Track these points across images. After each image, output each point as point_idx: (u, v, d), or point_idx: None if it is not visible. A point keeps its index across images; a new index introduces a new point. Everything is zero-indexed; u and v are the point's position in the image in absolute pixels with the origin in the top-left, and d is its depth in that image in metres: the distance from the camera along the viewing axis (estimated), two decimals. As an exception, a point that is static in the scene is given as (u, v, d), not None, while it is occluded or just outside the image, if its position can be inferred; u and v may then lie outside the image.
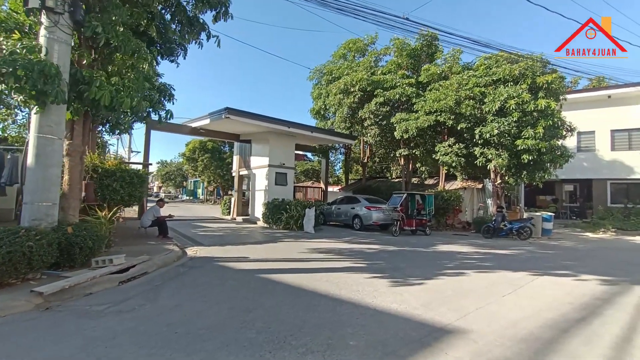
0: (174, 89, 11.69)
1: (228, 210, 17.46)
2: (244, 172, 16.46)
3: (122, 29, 5.68)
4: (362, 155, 20.08)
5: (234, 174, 17.58)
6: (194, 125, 14.66)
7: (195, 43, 7.83)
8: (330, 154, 22.65)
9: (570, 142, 17.38)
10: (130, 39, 5.77)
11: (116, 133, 12.89)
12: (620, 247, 10.40)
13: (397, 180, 18.84)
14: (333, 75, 17.97)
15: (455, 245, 9.86)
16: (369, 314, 3.65)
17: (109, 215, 7.26)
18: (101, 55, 6.09)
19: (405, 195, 12.35)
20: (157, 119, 7.81)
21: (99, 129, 12.82)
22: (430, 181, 18.01)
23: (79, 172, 5.71)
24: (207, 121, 13.40)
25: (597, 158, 18.43)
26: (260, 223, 13.87)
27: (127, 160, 17.25)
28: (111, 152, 17.66)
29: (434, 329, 3.27)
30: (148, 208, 8.77)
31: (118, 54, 6.46)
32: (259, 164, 14.87)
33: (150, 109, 12.07)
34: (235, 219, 16.30)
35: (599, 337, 3.24)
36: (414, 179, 18.25)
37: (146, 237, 8.41)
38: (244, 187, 17.51)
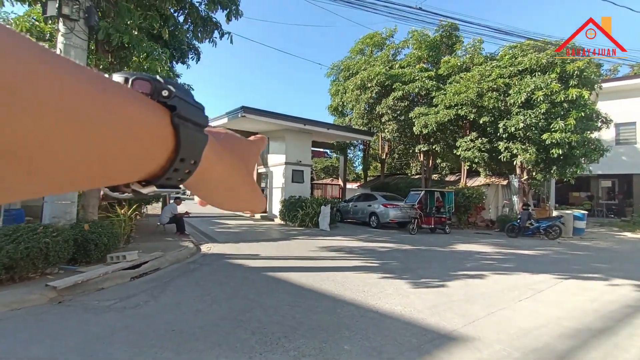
0: (193, 89, 12.02)
1: (247, 208, 17.72)
2: (262, 169, 16.63)
3: (136, 33, 5.85)
4: (380, 152, 19.71)
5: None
6: (213, 124, 14.96)
7: (210, 41, 7.94)
8: (349, 150, 22.46)
9: (608, 134, 16.17)
10: (143, 40, 5.93)
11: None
12: (663, 249, 9.52)
13: (417, 177, 18.32)
14: (350, 71, 17.73)
15: (475, 244, 9.43)
16: (370, 316, 3.52)
17: (129, 213, 7.57)
18: (117, 58, 6.31)
19: (423, 192, 11.98)
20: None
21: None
22: (451, 177, 17.37)
23: (96, 171, 5.95)
24: (224, 120, 13.63)
25: (638, 151, 16.98)
26: (278, 220, 13.98)
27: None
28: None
29: (437, 336, 3.09)
30: (166, 206, 9.04)
31: (134, 57, 6.68)
32: (276, 161, 14.96)
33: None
34: (253, 216, 16.53)
35: (624, 350, 2.93)
36: (435, 175, 17.69)
37: (164, 234, 8.69)
38: (262, 184, 17.71)
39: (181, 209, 9.37)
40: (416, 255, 7.36)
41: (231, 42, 7.54)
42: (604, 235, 12.50)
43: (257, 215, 16.29)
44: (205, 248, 7.40)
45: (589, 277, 5.71)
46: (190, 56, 10.13)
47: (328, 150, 24.96)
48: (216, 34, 8.04)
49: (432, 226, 11.89)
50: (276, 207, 14.29)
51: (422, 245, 8.99)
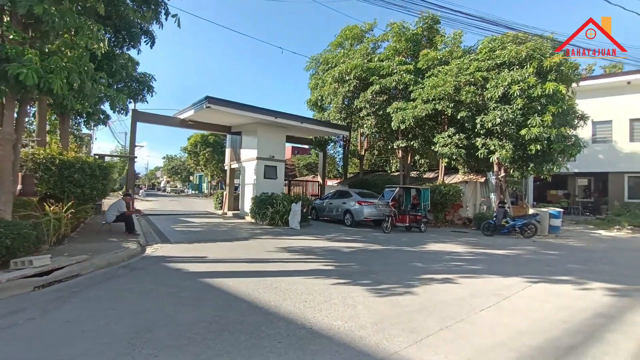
0: (155, 79, 11.17)
1: (220, 205, 16.94)
2: (235, 165, 15.86)
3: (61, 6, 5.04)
4: (359, 148, 19.20)
5: (226, 167, 17.02)
6: (181, 117, 14.10)
7: (156, 23, 7.16)
8: (330, 147, 21.87)
9: (585, 132, 16.10)
10: (68, 12, 5.11)
11: (92, 125, 12.44)
12: (637, 247, 9.34)
13: (396, 174, 17.91)
14: (329, 65, 17.10)
15: (449, 244, 9.01)
16: (300, 335, 2.92)
17: (64, 210, 6.74)
18: (36, 33, 5.46)
19: (397, 189, 11.50)
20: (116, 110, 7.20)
21: (79, 120, 12.44)
22: (430, 175, 17.03)
23: (10, 162, 5.14)
24: (191, 112, 12.80)
25: (614, 149, 17.06)
26: (248, 218, 13.28)
27: (116, 153, 16.90)
28: (92, 145, 17.32)
29: (372, 361, 2.52)
30: (112, 203, 8.22)
31: (65, 34, 5.83)
32: (248, 156, 14.23)
33: (130, 100, 11.53)
34: (226, 214, 15.78)
35: (592, 377, 2.43)
36: (413, 172, 17.31)
37: (109, 234, 7.88)
38: (236, 181, 16.94)
39: (153, 206, 8.55)
40: (382, 257, 6.83)
41: (178, 25, 6.77)
42: (580, 234, 12.36)
43: (229, 213, 15.55)
44: (151, 249, 6.66)
45: (560, 280, 5.30)
46: (144, 40, 9.30)
47: (306, 146, 24.29)
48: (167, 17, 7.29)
49: (407, 224, 11.45)
50: (248, 204, 13.58)
51: (393, 245, 8.49)
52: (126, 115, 11.08)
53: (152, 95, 11.37)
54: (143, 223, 10.99)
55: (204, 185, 45.47)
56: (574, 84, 12.30)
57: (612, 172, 17.08)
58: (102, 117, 11.07)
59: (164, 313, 3.36)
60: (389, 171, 20.41)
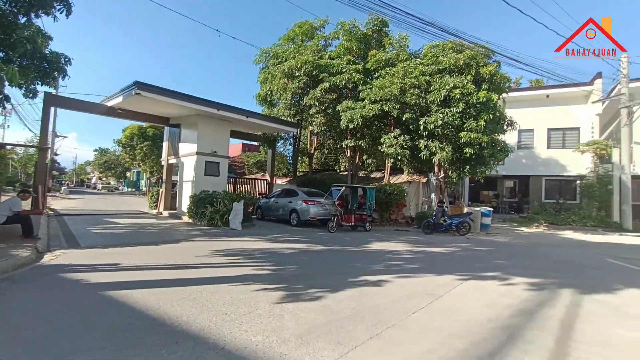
0: (70, 62, 9.67)
1: (155, 204, 15.43)
2: (172, 160, 14.55)
3: None
4: (308, 146, 18.97)
5: (163, 163, 15.56)
6: (108, 104, 12.45)
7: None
8: (280, 144, 21.30)
9: (512, 139, 17.74)
10: None
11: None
12: (550, 243, 10.40)
13: (345, 173, 18.00)
14: (280, 59, 16.54)
15: (391, 242, 9.11)
16: (208, 358, 2.45)
17: None
18: None
19: (343, 188, 11.44)
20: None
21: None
22: (377, 174, 17.41)
23: None
24: (119, 99, 11.33)
25: (534, 155, 19.10)
26: (186, 218, 12.20)
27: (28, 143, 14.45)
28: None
29: (286, 386, 2.15)
30: (3, 201, 6.80)
31: None
32: (188, 151, 13.11)
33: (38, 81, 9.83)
34: (161, 214, 14.37)
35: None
36: (361, 172, 17.56)
37: (1, 238, 6.49)
38: (174, 177, 15.57)
39: (75, 204, 7.19)
40: (323, 258, 6.57)
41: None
42: (506, 231, 13.51)
43: (165, 213, 14.22)
44: (50, 257, 5.58)
45: (488, 277, 5.51)
46: (57, 7, 7.89)
47: (255, 143, 23.42)
48: None
49: (353, 224, 11.44)
50: (186, 203, 12.48)
51: (336, 245, 8.31)
52: (33, 98, 9.33)
53: (63, 79, 9.77)
54: (54, 225, 9.45)
55: (142, 183, 41.75)
56: (504, 94, 13.41)
57: (532, 175, 19.13)
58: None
59: (34, 341, 2.64)
60: (338, 170, 20.50)
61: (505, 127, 12.86)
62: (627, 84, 15.10)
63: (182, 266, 5.31)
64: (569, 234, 13.13)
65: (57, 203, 18.55)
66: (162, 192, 14.99)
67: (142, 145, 28.77)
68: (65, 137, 27.40)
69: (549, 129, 18.88)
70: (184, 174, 13.28)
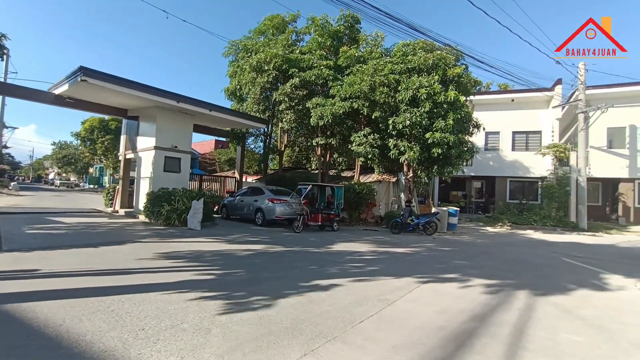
0: (4, 35, 8.70)
1: (111, 202, 14.36)
2: (130, 155, 13.57)
3: None
4: (279, 143, 18.48)
5: (120, 158, 14.52)
6: (56, 92, 11.35)
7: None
8: (250, 141, 20.65)
9: (479, 141, 18.19)
10: None
11: None
12: (512, 242, 10.60)
13: (316, 171, 17.69)
14: (249, 52, 15.94)
15: (356, 243, 8.87)
16: (94, 391, 1.99)
17: None
18: None
19: (310, 187, 11.09)
20: None
21: None
22: (348, 173, 17.25)
23: None
24: (65, 86, 10.33)
25: (500, 157, 19.70)
26: (142, 217, 11.37)
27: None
28: None
29: None
30: None
31: None
32: (146, 145, 12.24)
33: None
34: (117, 212, 13.38)
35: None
36: (332, 170, 17.31)
37: None
38: (132, 173, 14.57)
39: (22, 201, 6.25)
40: (279, 260, 6.18)
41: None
42: (471, 230, 13.73)
43: (122, 211, 13.25)
44: (-44, 262, 4.80)
45: (447, 279, 5.35)
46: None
47: (224, 139, 22.58)
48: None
49: (320, 223, 11.12)
50: (143, 201, 11.64)
51: (299, 245, 7.94)
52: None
53: (2, 59, 8.77)
54: (-18, 224, 8.38)
55: (105, 179, 39.36)
56: (471, 97, 13.61)
57: (498, 176, 19.73)
58: None
59: None
60: (309, 169, 20.16)
61: (471, 128, 13.03)
62: (584, 91, 15.85)
63: (114, 271, 4.73)
64: (530, 233, 13.54)
65: (2, 200, 16.90)
66: (118, 189, 13.97)
67: (103, 139, 26.93)
68: (14, 128, 25.09)
69: (514, 132, 19.54)
70: (141, 170, 12.40)
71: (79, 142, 31.07)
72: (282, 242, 8.24)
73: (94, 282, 4.24)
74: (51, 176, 49.54)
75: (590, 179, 16.66)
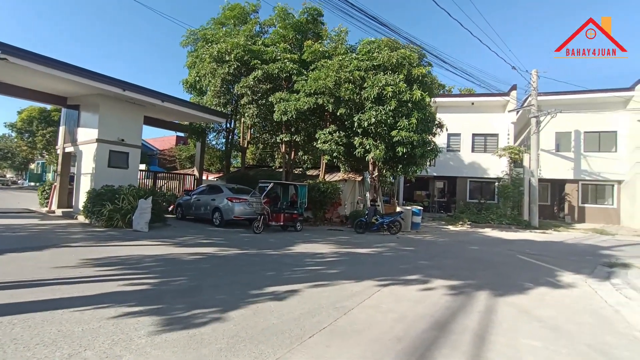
0: None
1: (47, 201, 12.77)
2: (69, 148, 12.13)
3: None
4: (241, 140, 17.66)
5: (58, 151, 12.97)
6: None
7: None
8: (212, 137, 19.58)
9: (441, 142, 18.64)
10: None
11: None
12: (472, 241, 10.81)
13: (280, 169, 17.13)
14: (209, 42, 14.99)
15: (318, 244, 8.49)
16: None
17: None
18: None
19: (270, 185, 10.54)
20: None
21: None
22: (313, 172, 16.87)
23: None
24: (-14, 66, 8.87)
25: (461, 158, 20.39)
26: (82, 218, 10.14)
27: None
28: None
29: None
30: None
31: None
32: (87, 138, 10.97)
33: None
34: (52, 212, 11.89)
35: None
36: (297, 169, 16.84)
37: None
38: (72, 169, 13.08)
39: None
40: (229, 265, 5.60)
41: None
42: (434, 229, 13.94)
43: (58, 211, 11.81)
44: None
45: (408, 281, 5.11)
46: None
47: (182, 134, 21.21)
48: None
49: (282, 223, 10.61)
50: (83, 200, 10.39)
51: (255, 248, 7.39)
52: None
53: None
54: None
55: (49, 176, 35.69)
56: (435, 98, 13.81)
57: (459, 176, 20.41)
58: None
59: None
60: (273, 167, 19.52)
61: (435, 128, 13.21)
62: (537, 97, 16.80)
63: (17, 284, 3.90)
64: (488, 231, 14.02)
65: None
66: (55, 186, 12.44)
67: (44, 131, 24.20)
68: None
69: (474, 134, 20.32)
70: (82, 165, 11.09)
71: (14, 134, 27.71)
72: (237, 244, 7.64)
73: (-13, 298, 3.42)
74: (-16, 172, 43.98)
75: (541, 180, 17.70)
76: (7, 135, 37.99)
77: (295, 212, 10.95)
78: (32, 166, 39.73)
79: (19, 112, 24.76)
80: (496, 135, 19.86)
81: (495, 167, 19.02)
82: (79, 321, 2.94)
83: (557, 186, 20.53)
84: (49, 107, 23.69)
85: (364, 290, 4.45)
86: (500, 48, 49.58)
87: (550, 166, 18.57)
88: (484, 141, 20.28)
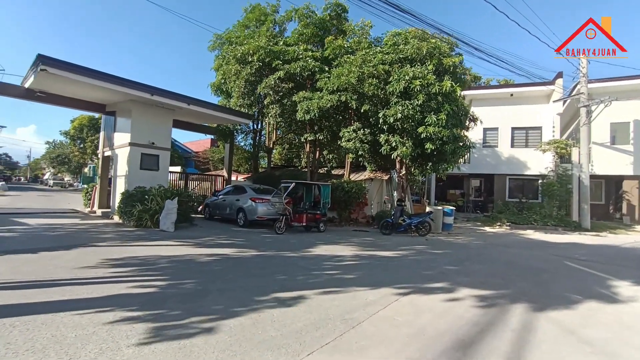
0: None
1: (89, 202, 13.69)
2: (108, 152, 12.89)
3: None
4: (267, 140, 17.76)
5: (99, 156, 13.84)
6: (25, 85, 10.65)
7: None
8: (240, 138, 19.96)
9: (476, 137, 17.48)
10: None
11: None
12: (510, 243, 9.87)
13: (305, 169, 16.97)
14: (233, 44, 15.24)
15: (340, 245, 8.16)
16: None
17: None
18: None
19: (292, 185, 10.37)
20: None
21: None
22: (339, 171, 16.49)
23: None
24: (31, 78, 9.61)
25: (498, 154, 18.93)
26: (117, 218, 10.69)
27: None
28: None
29: None
30: None
31: None
32: (122, 142, 11.55)
33: None
34: (94, 212, 12.71)
35: None
36: (322, 168, 16.58)
37: None
38: (111, 172, 13.88)
39: (4, 201, 5.55)
40: (243, 267, 5.47)
41: None
42: (468, 230, 12.99)
43: (99, 212, 12.58)
44: None
45: (432, 289, 4.63)
46: None
47: (212, 136, 21.83)
48: None
49: (305, 224, 10.40)
50: (118, 201, 10.95)
51: (274, 249, 7.23)
52: None
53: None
54: None
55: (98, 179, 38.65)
56: (469, 91, 12.83)
57: (497, 174, 18.95)
58: None
59: None
60: (299, 167, 19.43)
61: (468, 122, 12.29)
62: (587, 84, 15.07)
63: (35, 284, 4.02)
64: (529, 233, 12.81)
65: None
66: (96, 187, 13.29)
67: (93, 137, 26.23)
68: (2, 127, 24.40)
69: (513, 128, 18.75)
70: (117, 168, 11.71)
71: (68, 141, 30.32)
72: (257, 245, 7.53)
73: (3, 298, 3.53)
74: (46, 176, 48.93)
75: (592, 176, 15.90)
76: (63, 142, 41.85)
77: (318, 212, 10.70)
78: (86, 169, 43.41)
79: (72, 121, 27.11)
80: (539, 128, 18.16)
81: (538, 163, 17.39)
82: (76, 326, 2.90)
83: (612, 183, 18.35)
84: (96, 115, 25.64)
85: (379, 300, 4.08)
86: (542, 31, 45.32)
87: (604, 161, 16.62)
88: (525, 135, 18.65)
